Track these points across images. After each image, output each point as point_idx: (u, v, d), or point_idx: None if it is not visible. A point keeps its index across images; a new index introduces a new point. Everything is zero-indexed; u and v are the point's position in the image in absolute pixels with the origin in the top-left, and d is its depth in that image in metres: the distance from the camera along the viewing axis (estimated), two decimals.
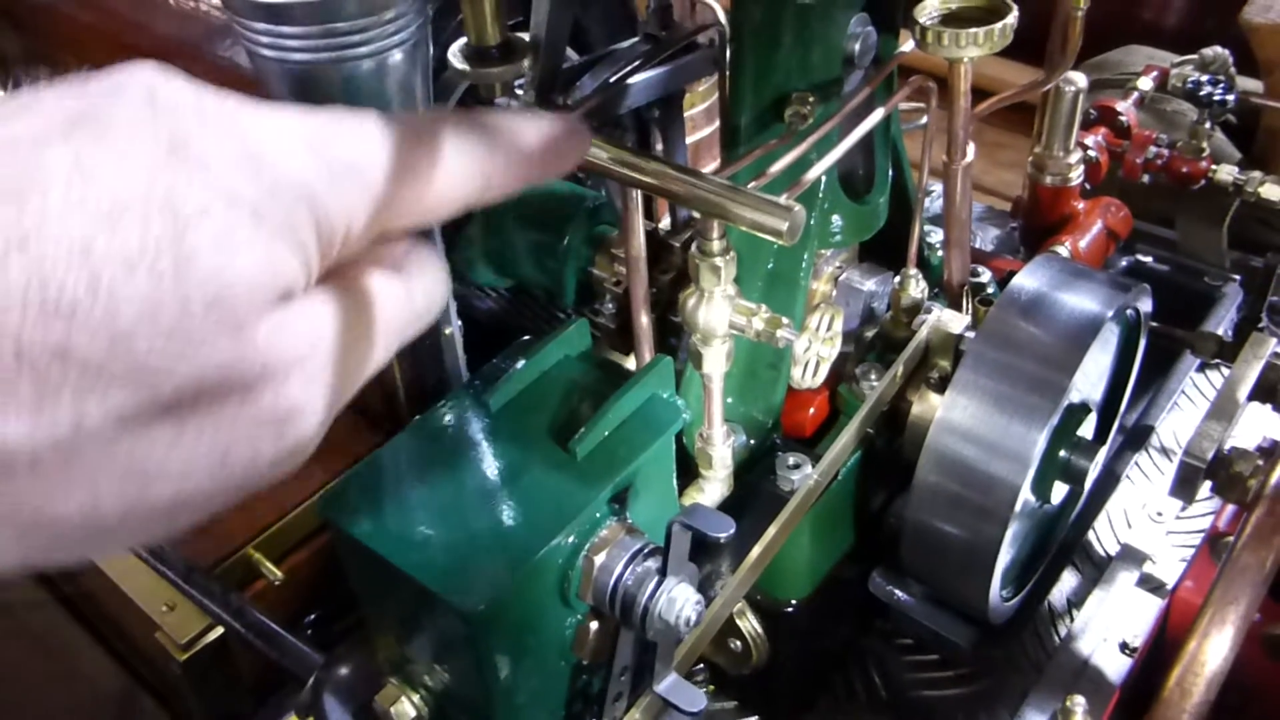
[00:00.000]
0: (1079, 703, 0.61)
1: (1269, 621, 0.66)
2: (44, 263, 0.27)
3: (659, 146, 0.92)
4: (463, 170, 0.39)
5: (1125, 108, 1.10)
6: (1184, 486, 0.74)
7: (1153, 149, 1.06)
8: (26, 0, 1.20)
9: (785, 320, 0.63)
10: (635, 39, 0.85)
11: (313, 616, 1.05)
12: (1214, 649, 0.63)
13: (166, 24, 1.06)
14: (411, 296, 0.39)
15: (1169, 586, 0.83)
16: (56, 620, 1.16)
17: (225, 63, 1.01)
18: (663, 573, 0.56)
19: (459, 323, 1.03)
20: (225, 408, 0.31)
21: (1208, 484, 0.78)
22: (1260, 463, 0.73)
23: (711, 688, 0.94)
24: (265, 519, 0.99)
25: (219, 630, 0.96)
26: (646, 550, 0.57)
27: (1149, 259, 1.22)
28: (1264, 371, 0.78)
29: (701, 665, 0.93)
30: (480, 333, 1.05)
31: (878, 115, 0.68)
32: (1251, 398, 0.80)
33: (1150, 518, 1.01)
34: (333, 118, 0.36)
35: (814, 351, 0.63)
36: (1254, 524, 0.66)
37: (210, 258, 0.29)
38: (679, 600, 0.56)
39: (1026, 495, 0.79)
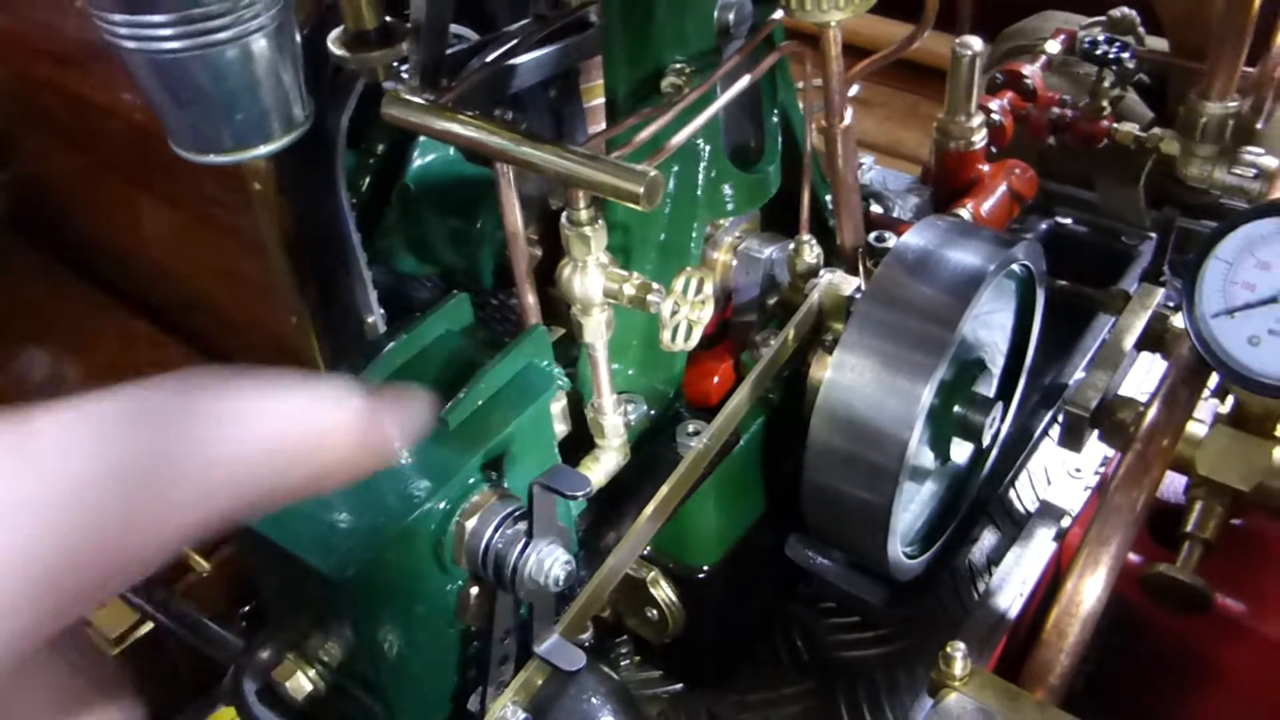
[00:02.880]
0: (959, 648, 0.62)
1: (1149, 563, 0.68)
2: None
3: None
4: None
5: (1031, 71, 1.11)
6: (1070, 435, 0.76)
7: (1056, 110, 1.07)
8: None
9: (655, 285, 0.64)
10: (526, 20, 0.86)
11: (247, 609, 1.06)
12: (1089, 589, 0.65)
13: (77, 27, 1.06)
14: None
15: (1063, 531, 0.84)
16: None
17: None
18: (530, 534, 0.57)
19: (381, 311, 1.04)
20: None
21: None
22: (1143, 410, 0.74)
23: (637, 659, 0.95)
24: None
25: (150, 625, 0.97)
26: (517, 514, 0.58)
27: (1068, 221, 1.24)
28: (1150, 321, 0.80)
29: (625, 636, 0.94)
30: None
31: (743, 81, 0.69)
32: (1140, 347, 0.81)
33: (1069, 474, 1.03)
34: None
35: (683, 315, 0.64)
36: (1126, 466, 0.68)
37: None
38: (547, 560, 0.57)
39: (921, 451, 0.81)
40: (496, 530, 0.57)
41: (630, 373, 0.82)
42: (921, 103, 1.90)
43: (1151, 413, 0.70)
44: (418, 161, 1.06)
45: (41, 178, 1.36)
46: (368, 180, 1.09)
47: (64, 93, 1.13)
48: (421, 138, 1.06)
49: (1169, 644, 0.74)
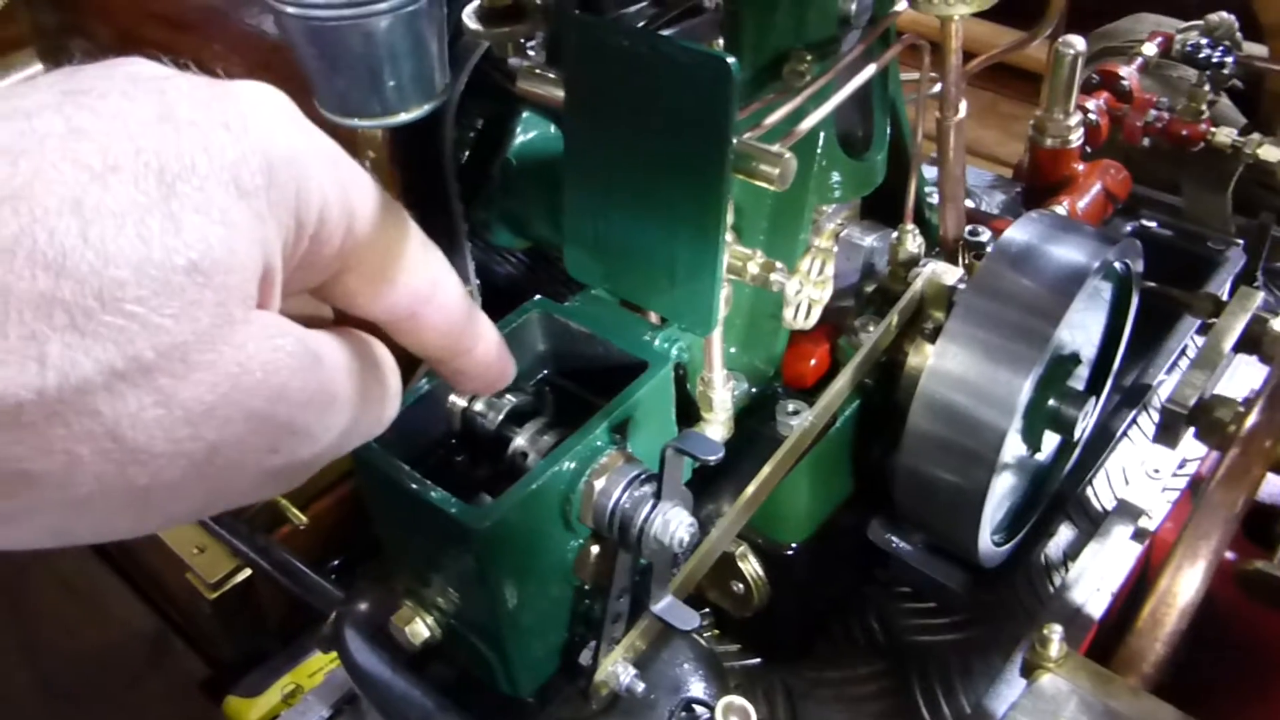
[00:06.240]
0: (1055, 630, 0.64)
1: (1245, 560, 0.69)
2: (35, 214, 0.28)
3: None
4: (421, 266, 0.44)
5: (1128, 72, 1.12)
6: (1166, 433, 0.77)
7: (1152, 112, 1.08)
8: None
9: (779, 265, 0.66)
10: (643, 3, 0.88)
11: (336, 563, 1.09)
12: (1186, 581, 0.66)
13: None
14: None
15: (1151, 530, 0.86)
16: (85, 563, 1.21)
17: (251, 30, 1.05)
18: (658, 496, 0.59)
19: (478, 281, 1.06)
20: (208, 384, 0.31)
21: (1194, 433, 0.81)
22: (1240, 409, 0.75)
23: (716, 632, 0.98)
24: None
25: (247, 572, 1.01)
26: (644, 476, 0.61)
27: (1154, 224, 1.24)
28: (1249, 324, 0.81)
29: (707, 610, 0.97)
30: (498, 297, 1.09)
31: (870, 70, 0.71)
32: (1238, 349, 0.82)
33: (1148, 475, 1.04)
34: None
35: (805, 294, 0.66)
36: (1227, 465, 0.69)
37: (195, 220, 0.30)
38: (673, 522, 0.59)
39: (1015, 442, 0.82)
40: (624, 491, 0.60)
41: (733, 350, 0.84)
42: (1000, 101, 1.90)
43: (1254, 412, 0.71)
44: (520, 138, 1.08)
45: None
46: (467, 154, 1.12)
47: (175, 58, 1.17)
48: (525, 114, 1.08)
49: (1260, 641, 0.75)
